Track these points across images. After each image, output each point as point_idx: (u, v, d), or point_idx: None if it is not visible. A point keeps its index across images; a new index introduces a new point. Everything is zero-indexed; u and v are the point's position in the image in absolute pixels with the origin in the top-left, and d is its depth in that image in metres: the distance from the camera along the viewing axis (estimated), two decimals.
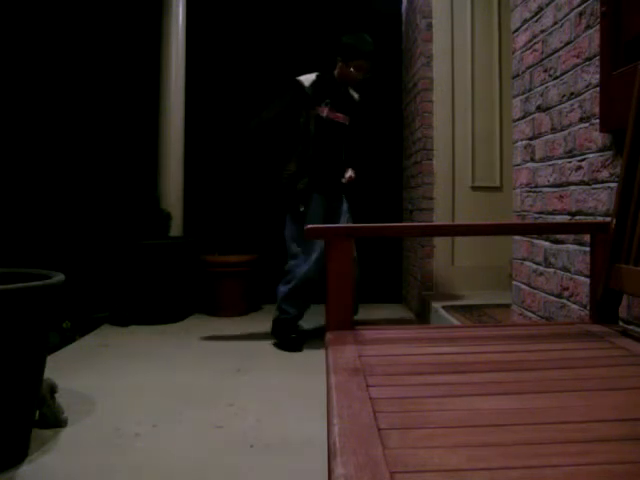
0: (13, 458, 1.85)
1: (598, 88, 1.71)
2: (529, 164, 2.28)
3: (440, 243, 4.04)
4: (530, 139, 2.27)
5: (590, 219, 1.77)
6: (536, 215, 2.21)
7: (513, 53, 2.45)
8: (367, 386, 0.92)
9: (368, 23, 4.99)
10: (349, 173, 3.55)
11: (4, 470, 1.80)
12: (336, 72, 3.53)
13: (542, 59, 2.14)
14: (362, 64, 3.48)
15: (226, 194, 4.84)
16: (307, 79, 3.48)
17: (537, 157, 2.20)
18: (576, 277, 1.87)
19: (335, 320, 1.34)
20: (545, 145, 2.13)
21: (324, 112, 3.45)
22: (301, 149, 3.47)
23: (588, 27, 1.79)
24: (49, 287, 1.88)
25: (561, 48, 1.98)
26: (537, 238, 2.21)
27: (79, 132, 4.68)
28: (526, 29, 2.30)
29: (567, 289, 1.94)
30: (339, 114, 3.51)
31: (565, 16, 1.95)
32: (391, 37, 5.00)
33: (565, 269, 1.95)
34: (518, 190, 2.40)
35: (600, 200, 1.73)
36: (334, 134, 3.50)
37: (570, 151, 1.93)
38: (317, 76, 3.51)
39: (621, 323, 1.48)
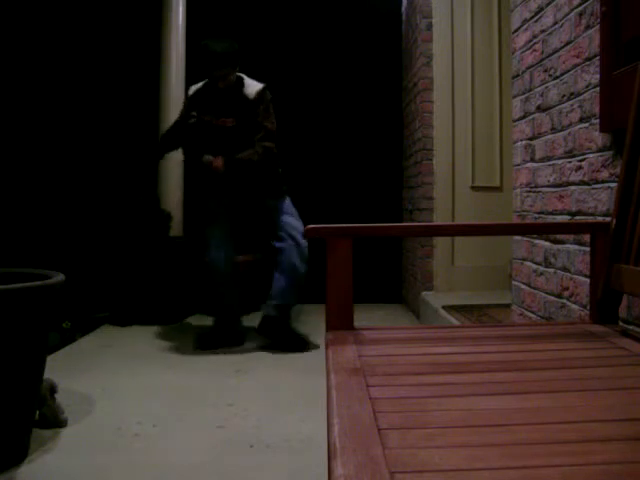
0: (13, 458, 1.85)
1: (598, 88, 1.71)
2: (529, 164, 2.28)
3: (440, 243, 4.03)
4: (530, 139, 2.27)
5: (590, 219, 1.77)
6: (536, 215, 2.21)
7: (513, 53, 2.45)
8: (367, 386, 0.92)
9: (368, 23, 4.99)
10: (207, 157, 3.36)
11: (4, 470, 1.80)
12: None
13: (542, 59, 2.14)
14: (214, 74, 3.32)
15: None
16: (194, 87, 3.50)
17: (537, 157, 2.20)
18: (576, 277, 1.87)
19: (335, 320, 1.34)
20: (545, 145, 2.13)
21: (206, 117, 3.40)
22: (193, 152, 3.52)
23: (588, 27, 1.79)
24: (49, 287, 1.88)
25: (561, 48, 1.98)
26: (537, 238, 2.21)
27: (79, 132, 4.68)
28: (526, 29, 2.30)
29: (567, 289, 1.94)
30: (223, 119, 3.39)
31: (565, 16, 1.95)
32: (391, 37, 5.00)
33: (565, 269, 1.95)
34: (518, 190, 2.40)
35: (600, 200, 1.73)
36: (215, 138, 3.40)
37: (570, 151, 1.93)
38: (204, 84, 3.49)
39: (621, 323, 1.48)
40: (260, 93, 3.41)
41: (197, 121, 3.41)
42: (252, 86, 3.43)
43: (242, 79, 3.45)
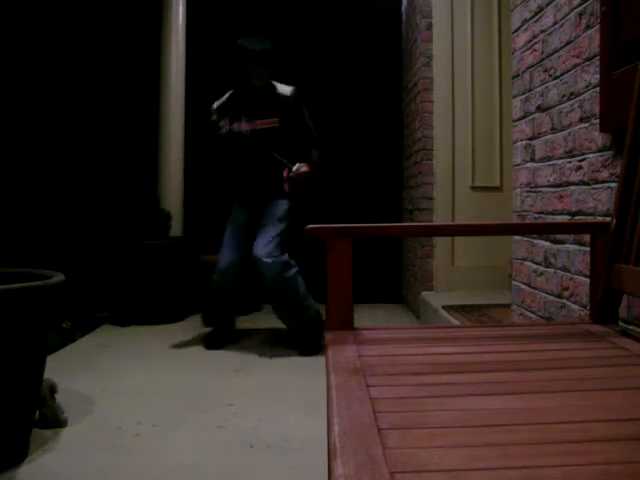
0: (13, 458, 1.85)
1: (598, 88, 1.71)
2: (529, 164, 2.28)
3: (440, 243, 4.03)
4: (530, 139, 2.27)
5: (590, 219, 1.77)
6: (536, 215, 2.21)
7: (513, 53, 2.45)
8: (367, 386, 0.92)
9: (368, 23, 4.99)
10: (297, 166, 3.33)
11: (4, 470, 1.80)
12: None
13: (542, 59, 2.14)
14: (251, 70, 3.33)
15: (226, 194, 4.84)
16: (218, 102, 3.48)
17: (537, 157, 2.20)
18: (576, 277, 1.87)
19: (335, 320, 1.34)
20: (545, 145, 2.13)
21: (239, 127, 3.36)
22: (228, 168, 3.50)
23: (588, 27, 1.79)
24: (49, 287, 1.88)
25: (561, 48, 1.98)
26: (537, 238, 2.21)
27: (80, 132, 4.68)
28: (526, 29, 2.30)
29: (567, 289, 1.94)
30: (260, 121, 3.35)
31: (565, 16, 1.95)
32: (391, 37, 5.01)
33: (565, 269, 1.95)
34: (518, 190, 2.40)
35: (600, 200, 1.73)
36: (256, 143, 3.35)
37: (570, 151, 1.93)
38: (230, 94, 3.48)
39: (621, 323, 1.48)
40: (296, 91, 3.41)
41: (229, 131, 3.38)
42: (283, 86, 3.43)
43: (271, 82, 3.42)
